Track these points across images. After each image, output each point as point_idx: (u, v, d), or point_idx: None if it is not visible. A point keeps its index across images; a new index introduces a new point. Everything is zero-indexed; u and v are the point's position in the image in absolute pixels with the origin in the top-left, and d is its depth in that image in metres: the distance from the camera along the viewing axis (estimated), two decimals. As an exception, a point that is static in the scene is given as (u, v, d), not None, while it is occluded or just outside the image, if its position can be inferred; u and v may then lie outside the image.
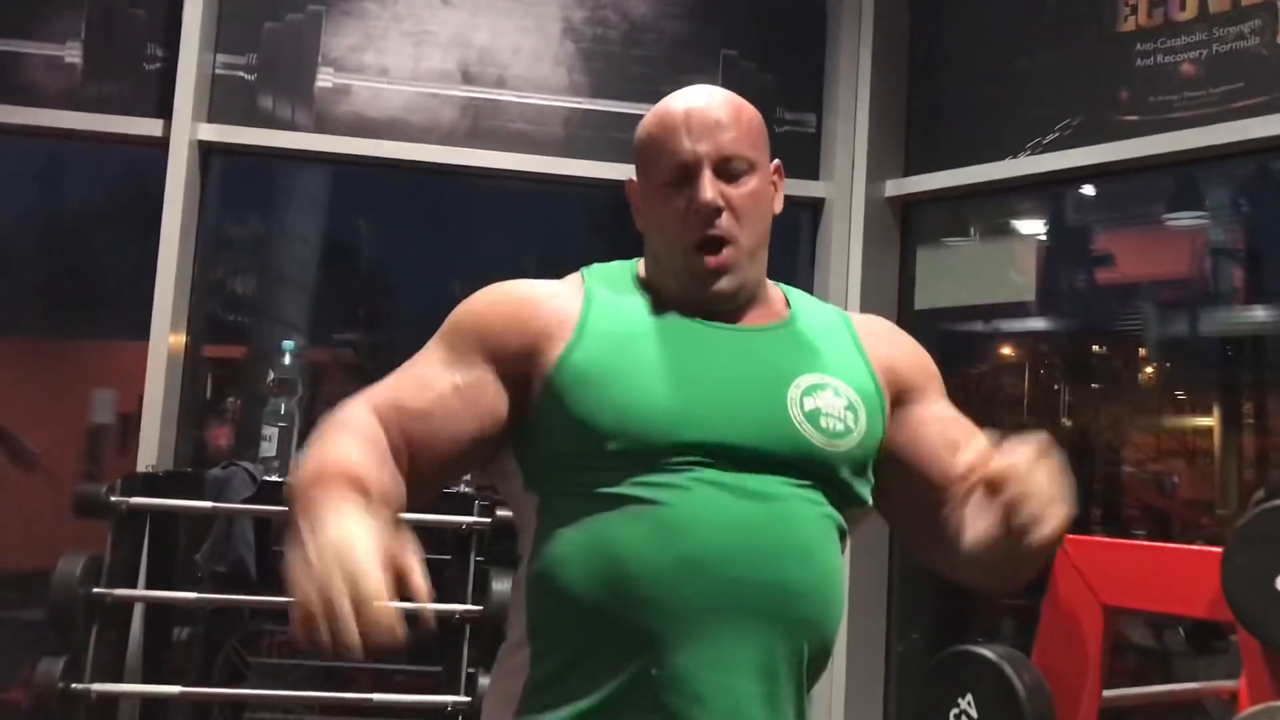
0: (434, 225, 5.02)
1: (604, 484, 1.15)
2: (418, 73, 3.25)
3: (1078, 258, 3.49)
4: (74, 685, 2.31)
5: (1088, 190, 3.32)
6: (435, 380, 1.22)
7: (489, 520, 2.59)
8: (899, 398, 1.31)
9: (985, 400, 3.70)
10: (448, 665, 2.64)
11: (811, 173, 3.37)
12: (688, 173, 1.25)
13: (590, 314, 1.24)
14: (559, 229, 5.19)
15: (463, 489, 2.65)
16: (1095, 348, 3.71)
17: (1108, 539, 1.52)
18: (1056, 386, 3.71)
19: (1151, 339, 3.49)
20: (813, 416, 1.21)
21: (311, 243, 4.74)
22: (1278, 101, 2.53)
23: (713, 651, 1.12)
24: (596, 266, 1.33)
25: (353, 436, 1.14)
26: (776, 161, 1.33)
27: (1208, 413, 3.33)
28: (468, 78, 3.28)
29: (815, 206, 3.34)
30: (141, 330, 4.40)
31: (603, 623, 1.13)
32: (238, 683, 3.99)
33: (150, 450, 2.86)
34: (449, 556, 2.62)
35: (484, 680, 2.46)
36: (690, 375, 1.20)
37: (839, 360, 1.28)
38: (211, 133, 3.10)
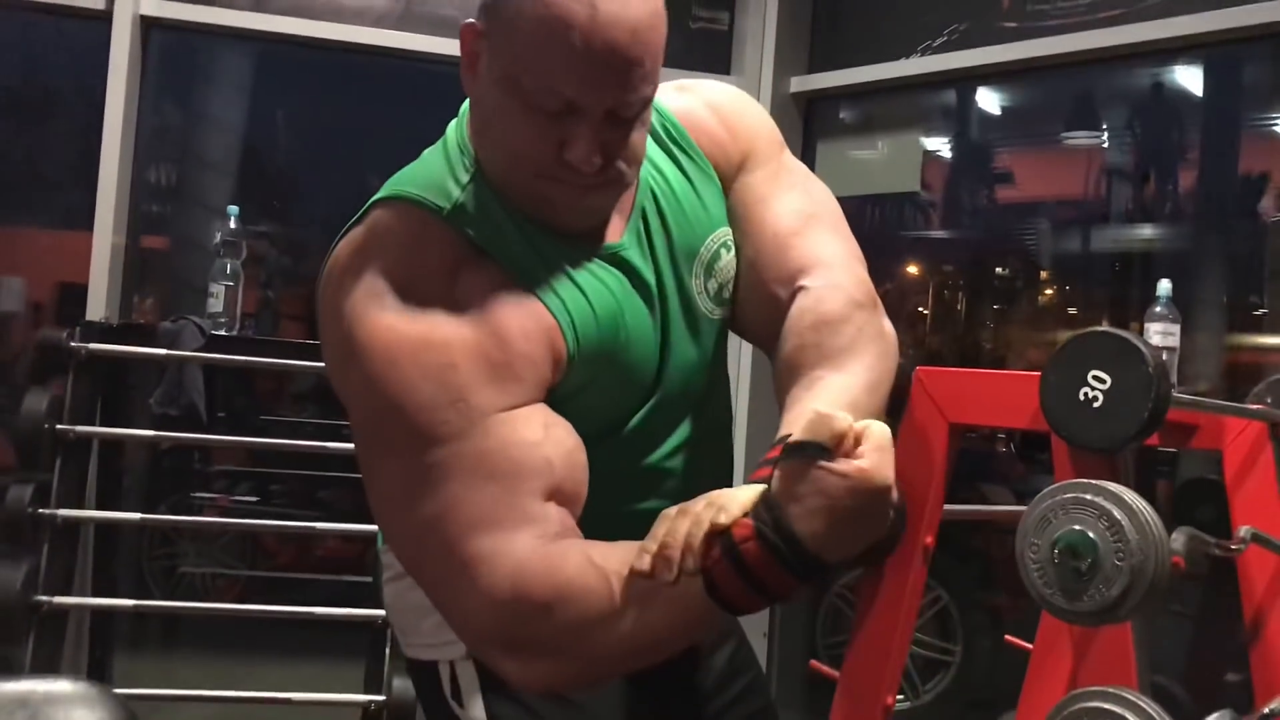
0: (361, 117, 5.14)
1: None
2: (353, -43, 3.41)
3: (964, 157, 3.80)
4: (41, 510, 2.53)
5: (976, 97, 3.62)
6: (520, 444, 1.02)
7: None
8: (726, 187, 1.24)
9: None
10: (376, 577, 2.82)
11: (723, 68, 3.59)
12: (570, 110, 1.02)
13: (570, 321, 1.09)
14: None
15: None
16: (993, 262, 3.99)
17: (954, 369, 1.83)
18: (946, 291, 4.02)
19: (1044, 250, 3.79)
20: (719, 296, 1.21)
21: (234, 130, 4.85)
22: (1134, 14, 2.85)
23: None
24: (456, 210, 1.08)
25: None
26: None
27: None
28: (401, -37, 3.44)
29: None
30: (47, 217, 4.47)
31: None
32: (170, 545, 4.25)
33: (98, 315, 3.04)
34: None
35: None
36: (653, 340, 1.16)
37: (708, 205, 1.21)
38: (153, 7, 3.22)
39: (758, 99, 3.49)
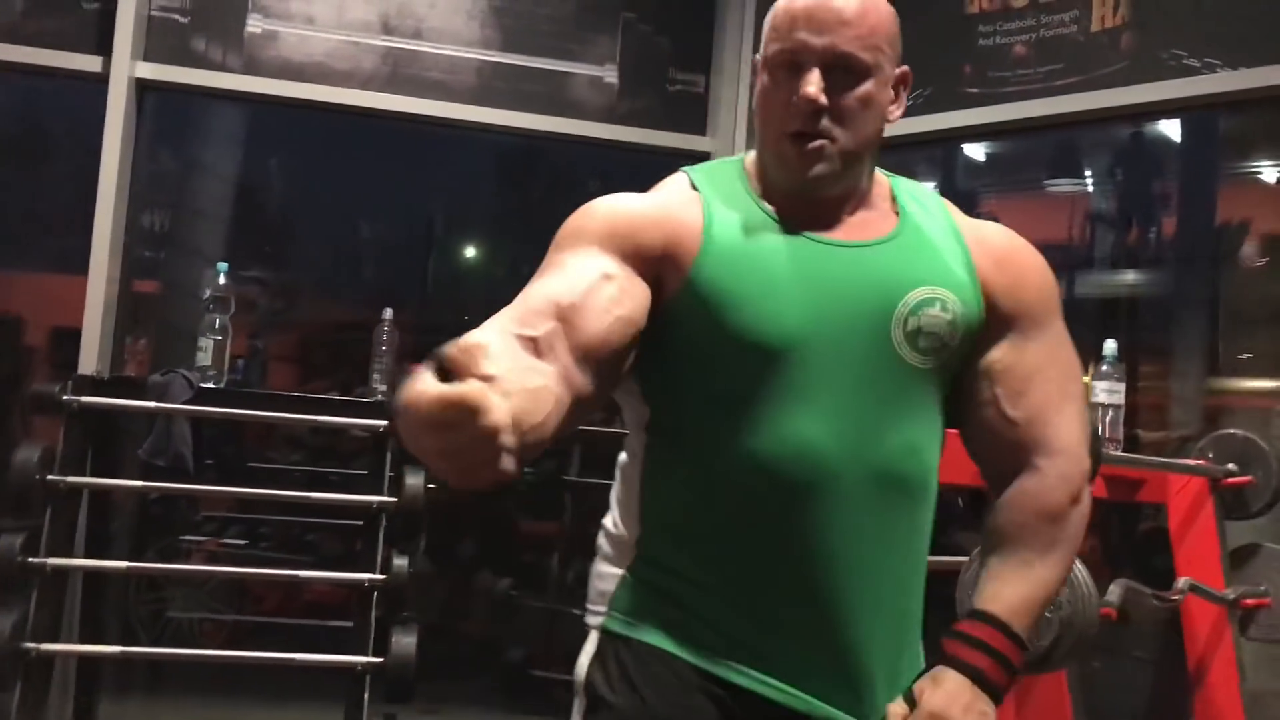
0: (349, 171, 5.26)
1: (715, 408, 1.23)
2: (341, 22, 3.53)
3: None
4: (30, 559, 2.61)
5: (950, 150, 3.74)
6: (581, 272, 1.18)
7: (395, 500, 2.74)
8: (996, 327, 1.31)
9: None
10: (358, 623, 2.81)
11: (699, 130, 3.71)
12: (797, 64, 1.25)
13: (713, 228, 1.25)
14: (468, 175, 5.48)
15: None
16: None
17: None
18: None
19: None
20: (913, 337, 1.25)
21: (226, 179, 4.97)
22: (1089, 81, 2.97)
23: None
24: (703, 169, 1.33)
25: (494, 334, 1.06)
26: (904, 69, 1.30)
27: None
28: (387, 28, 3.56)
29: (701, 160, 3.70)
30: (39, 263, 4.57)
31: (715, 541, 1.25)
32: (157, 591, 4.31)
33: (90, 365, 3.13)
34: (360, 523, 2.79)
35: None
36: (802, 303, 1.23)
37: (949, 274, 1.29)
38: (148, 71, 3.34)
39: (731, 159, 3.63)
